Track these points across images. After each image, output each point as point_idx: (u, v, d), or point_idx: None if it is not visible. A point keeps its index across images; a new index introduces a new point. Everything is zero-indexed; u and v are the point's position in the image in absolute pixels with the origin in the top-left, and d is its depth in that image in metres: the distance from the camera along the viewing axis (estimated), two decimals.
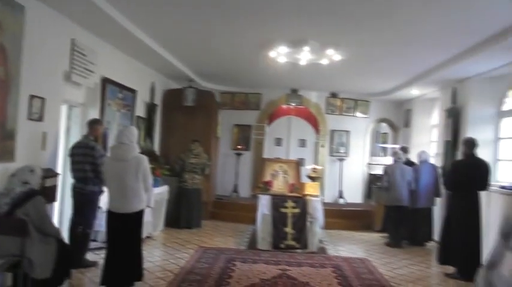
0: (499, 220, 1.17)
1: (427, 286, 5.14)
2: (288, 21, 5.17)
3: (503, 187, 5.84)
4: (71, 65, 5.11)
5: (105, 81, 6.03)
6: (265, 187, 6.70)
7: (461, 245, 5.33)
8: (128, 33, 5.49)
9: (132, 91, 6.99)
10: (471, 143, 5.57)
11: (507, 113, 6.47)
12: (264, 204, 6.40)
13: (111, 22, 5.00)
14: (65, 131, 5.60)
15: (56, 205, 5.16)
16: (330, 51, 6.15)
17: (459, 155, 6.76)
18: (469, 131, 6.61)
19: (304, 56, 6.35)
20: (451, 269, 5.56)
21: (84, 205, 4.89)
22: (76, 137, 5.57)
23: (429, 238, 7.47)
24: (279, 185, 6.91)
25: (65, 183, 5.38)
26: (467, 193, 5.42)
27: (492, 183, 5.83)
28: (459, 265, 5.42)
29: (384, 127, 11.37)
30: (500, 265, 1.13)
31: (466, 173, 5.43)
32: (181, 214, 7.66)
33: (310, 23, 5.18)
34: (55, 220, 5.04)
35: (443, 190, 7.34)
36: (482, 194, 5.56)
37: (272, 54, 6.42)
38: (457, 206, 5.50)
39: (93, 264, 4.94)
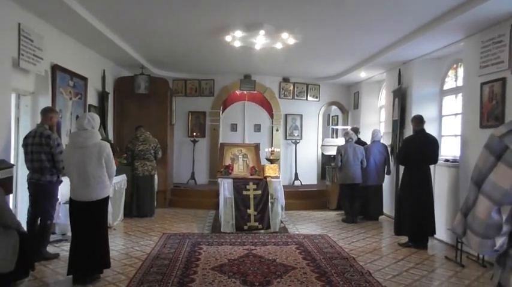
0: (473, 169, 1.31)
1: (383, 255, 5.48)
2: (243, 5, 5.20)
3: (447, 160, 6.31)
4: (19, 51, 4.84)
5: (55, 68, 5.77)
6: (226, 171, 6.76)
7: (413, 215, 5.72)
8: (78, 18, 5.28)
9: (83, 79, 6.74)
10: (418, 120, 5.97)
11: (448, 92, 6.95)
12: (226, 188, 6.46)
13: (59, 5, 4.79)
14: (14, 121, 5.31)
15: (10, 197, 4.92)
16: (285, 35, 6.27)
17: (406, 133, 7.21)
18: (415, 110, 7.02)
19: (259, 40, 6.43)
20: (404, 239, 5.96)
21: (41, 196, 4.70)
22: (26, 127, 5.32)
23: (381, 212, 7.93)
24: (239, 169, 6.99)
25: (17, 175, 5.13)
26: (418, 167, 5.80)
27: (438, 158, 6.28)
28: (411, 234, 5.83)
29: (334, 110, 11.79)
30: (474, 209, 1.28)
31: (417, 148, 5.80)
32: (133, 202, 7.50)
33: (265, 7, 5.25)
34: None
35: (392, 167, 7.81)
36: (430, 167, 5.98)
37: (227, 38, 6.44)
38: (410, 180, 5.87)
39: (55, 256, 4.79)
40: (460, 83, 6.45)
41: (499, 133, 1.24)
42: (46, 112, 4.87)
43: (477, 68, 5.41)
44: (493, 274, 1.40)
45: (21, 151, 4.92)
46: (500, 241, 1.25)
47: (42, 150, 4.63)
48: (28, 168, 4.73)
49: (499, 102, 4.98)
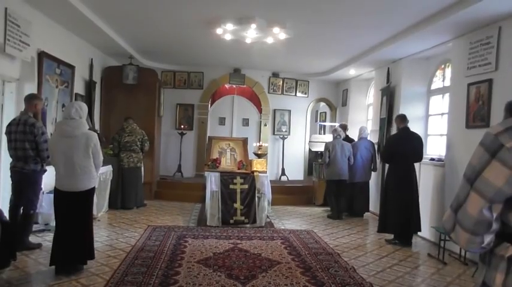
0: (466, 166, 1.32)
1: (367, 251, 5.54)
2: None
3: (432, 159, 6.39)
4: (5, 36, 4.71)
5: (42, 55, 5.65)
6: (214, 165, 6.73)
7: (397, 213, 5.78)
8: (66, 4, 5.17)
9: (70, 67, 6.61)
10: (401, 118, 6.06)
11: (435, 92, 7.02)
12: (212, 181, 6.43)
13: None
14: None
15: None
16: (276, 30, 6.24)
17: (393, 131, 7.26)
18: (402, 109, 7.08)
19: (251, 33, 6.39)
20: (389, 236, 6.02)
21: (25, 185, 4.61)
22: (11, 114, 5.19)
23: (366, 209, 8.00)
24: (227, 163, 6.97)
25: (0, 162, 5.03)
26: (402, 165, 5.85)
27: (423, 156, 6.36)
28: (396, 231, 5.90)
29: (323, 106, 11.83)
30: (465, 205, 1.28)
31: (401, 146, 5.85)
32: (118, 194, 7.43)
33: (258, 0, 5.21)
34: None
35: (379, 164, 7.87)
36: (416, 166, 6.05)
37: (218, 31, 6.39)
38: (394, 177, 5.93)
39: (38, 246, 4.72)
40: (447, 83, 6.52)
41: (495, 131, 1.24)
42: (30, 99, 4.75)
43: (464, 69, 5.47)
44: (474, 272, 1.41)
45: (4, 138, 4.81)
46: (488, 239, 1.26)
47: (26, 138, 4.54)
48: (11, 156, 4.63)
49: (485, 103, 5.05)
